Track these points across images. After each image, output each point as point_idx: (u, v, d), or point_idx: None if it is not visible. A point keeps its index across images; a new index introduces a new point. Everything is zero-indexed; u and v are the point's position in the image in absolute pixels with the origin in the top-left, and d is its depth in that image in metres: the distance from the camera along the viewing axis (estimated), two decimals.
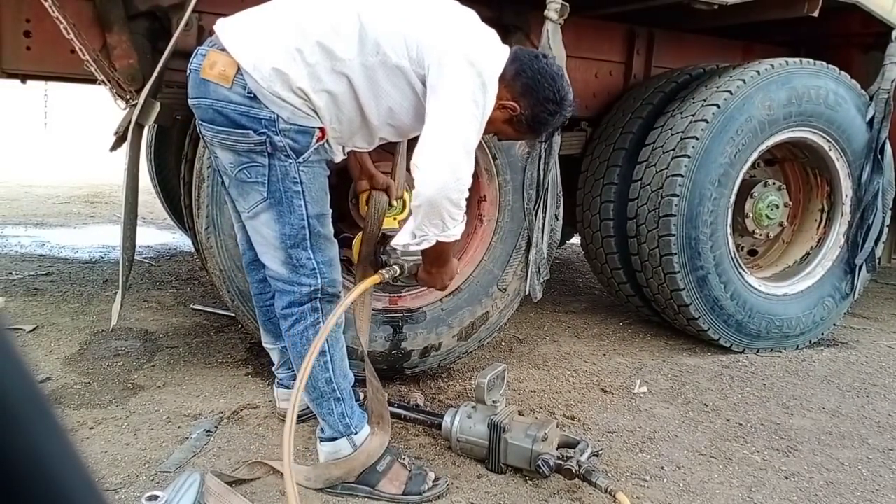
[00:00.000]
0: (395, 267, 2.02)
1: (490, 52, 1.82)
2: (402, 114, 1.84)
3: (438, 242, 1.81)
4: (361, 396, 2.11)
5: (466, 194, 1.76)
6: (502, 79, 1.82)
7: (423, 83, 1.77)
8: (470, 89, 1.72)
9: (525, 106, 1.86)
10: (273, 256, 1.85)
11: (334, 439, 1.91)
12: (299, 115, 1.75)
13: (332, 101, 1.78)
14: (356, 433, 1.91)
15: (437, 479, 1.97)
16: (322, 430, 1.95)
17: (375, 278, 1.98)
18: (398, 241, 1.88)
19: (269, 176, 1.76)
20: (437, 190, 1.69)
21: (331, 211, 1.91)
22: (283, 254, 1.83)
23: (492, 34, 1.89)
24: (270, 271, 1.89)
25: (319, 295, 1.87)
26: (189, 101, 1.82)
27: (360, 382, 2.08)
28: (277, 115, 1.73)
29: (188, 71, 1.82)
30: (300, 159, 1.77)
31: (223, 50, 1.73)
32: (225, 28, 1.78)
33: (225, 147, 1.78)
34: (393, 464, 1.95)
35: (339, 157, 1.95)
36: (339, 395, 1.90)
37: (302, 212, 1.80)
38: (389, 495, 1.91)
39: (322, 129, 1.80)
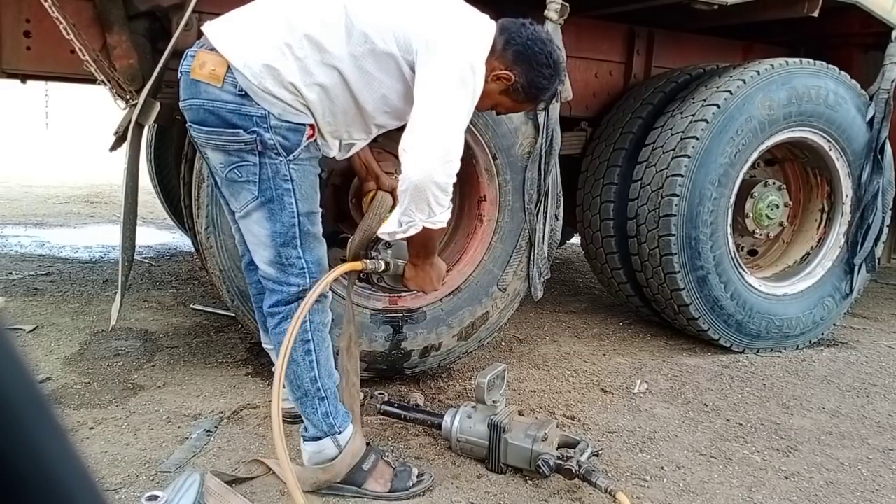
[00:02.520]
0: (381, 262, 2.03)
1: (477, 34, 1.82)
2: (396, 99, 1.83)
3: (425, 229, 1.80)
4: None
5: (454, 179, 1.74)
6: (493, 51, 1.82)
7: (412, 69, 1.77)
8: (458, 72, 1.72)
9: (519, 74, 1.86)
10: (262, 255, 1.85)
11: (318, 438, 1.91)
12: (290, 111, 1.75)
13: (325, 93, 1.78)
14: (340, 433, 1.91)
15: (421, 474, 1.98)
16: (305, 430, 1.94)
17: (357, 265, 1.99)
18: (385, 229, 1.88)
19: (260, 174, 1.76)
20: (425, 173, 1.68)
21: (321, 210, 1.90)
22: (272, 252, 1.83)
23: (478, 16, 1.88)
24: (260, 270, 1.89)
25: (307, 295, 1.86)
26: (180, 103, 1.82)
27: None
28: (268, 112, 1.73)
29: (179, 73, 1.81)
30: (290, 157, 1.77)
31: (212, 50, 1.73)
32: (213, 28, 1.78)
33: (215, 147, 1.78)
34: (378, 462, 1.96)
35: (334, 152, 1.94)
36: (324, 395, 1.89)
37: (293, 209, 1.79)
38: (376, 493, 1.92)
39: (312, 126, 1.80)
